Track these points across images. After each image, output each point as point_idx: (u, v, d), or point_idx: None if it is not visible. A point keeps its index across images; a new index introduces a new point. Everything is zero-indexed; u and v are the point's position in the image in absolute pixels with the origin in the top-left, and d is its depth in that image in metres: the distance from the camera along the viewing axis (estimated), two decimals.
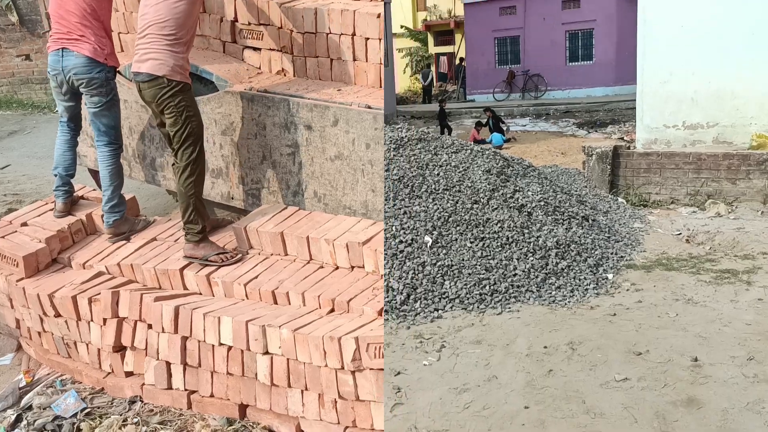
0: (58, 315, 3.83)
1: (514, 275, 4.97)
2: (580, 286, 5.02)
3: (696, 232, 6.63)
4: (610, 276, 5.26)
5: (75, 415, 3.55)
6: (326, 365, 3.04)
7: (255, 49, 4.42)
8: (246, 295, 3.57)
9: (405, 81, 26.63)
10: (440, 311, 4.59)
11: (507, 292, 4.80)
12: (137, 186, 5.33)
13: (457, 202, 5.50)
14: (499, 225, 5.37)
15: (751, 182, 7.33)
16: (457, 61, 23.77)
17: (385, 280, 4.60)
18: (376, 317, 3.26)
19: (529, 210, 5.71)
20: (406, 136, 6.29)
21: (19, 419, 3.59)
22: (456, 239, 5.18)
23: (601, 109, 17.23)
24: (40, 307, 3.87)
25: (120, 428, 3.40)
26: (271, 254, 3.77)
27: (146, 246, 4.13)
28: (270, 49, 4.34)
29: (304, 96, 3.97)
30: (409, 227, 5.15)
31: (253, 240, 3.83)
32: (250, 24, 4.35)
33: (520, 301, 4.74)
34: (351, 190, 3.96)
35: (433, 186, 5.60)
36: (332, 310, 3.34)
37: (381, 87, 4.08)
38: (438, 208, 5.38)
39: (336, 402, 3.12)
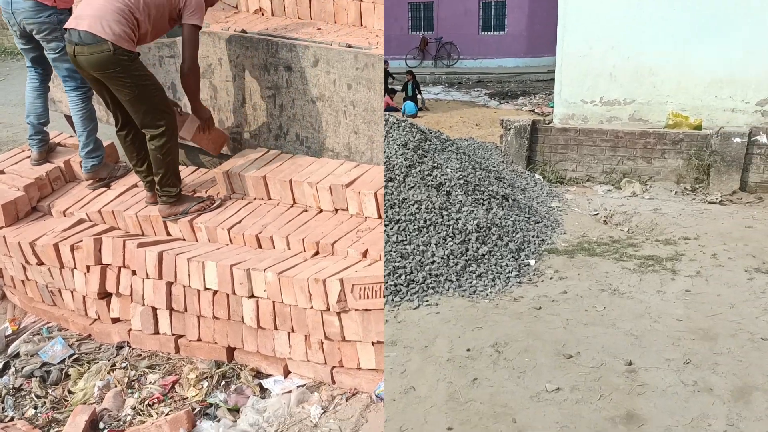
0: (40, 263, 3.80)
1: (432, 263, 4.51)
2: (501, 273, 4.63)
3: (613, 212, 6.43)
4: (532, 262, 4.90)
5: (63, 361, 3.56)
6: (312, 307, 3.07)
7: None
8: (230, 240, 3.55)
9: None
10: None
11: (425, 282, 4.34)
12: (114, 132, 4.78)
13: None
14: (416, 206, 4.88)
15: (666, 161, 7.22)
16: None
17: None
18: (361, 259, 3.29)
19: (447, 189, 5.26)
20: None
21: (6, 366, 3.61)
22: None
23: (513, 80, 17.12)
24: (22, 255, 3.84)
25: (109, 373, 3.42)
26: (254, 198, 3.75)
27: (127, 192, 4.09)
28: None
29: (283, 36, 3.85)
30: None
31: (235, 184, 3.77)
32: None
33: (438, 292, 4.29)
34: (333, 132, 3.91)
35: None
36: (317, 253, 3.35)
37: (362, 25, 3.93)
38: None
39: (323, 343, 3.17)
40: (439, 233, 4.76)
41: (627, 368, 3.36)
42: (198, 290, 3.36)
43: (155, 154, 3.69)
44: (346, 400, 3.20)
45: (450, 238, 4.75)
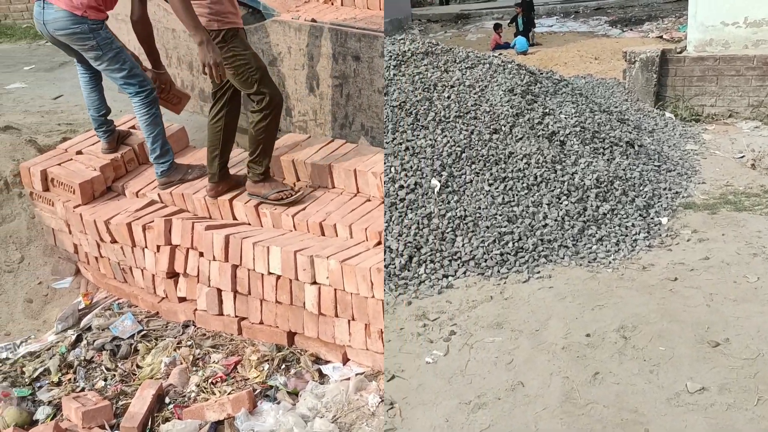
0: (114, 241, 3.91)
1: (544, 226, 3.94)
2: (627, 236, 4.00)
3: (763, 153, 5.47)
4: (664, 220, 4.21)
5: (132, 336, 3.65)
6: (373, 296, 3.05)
7: None
8: (294, 227, 3.57)
9: None
10: (450, 278, 3.63)
11: (535, 249, 3.80)
12: (186, 117, 5.01)
13: (472, 133, 4.41)
14: (525, 160, 4.30)
15: None
16: None
17: (385, 238, 3.67)
18: None
19: (561, 138, 4.61)
20: (409, 50, 5.12)
21: (79, 339, 3.71)
22: (471, 181, 4.14)
23: (636, 4, 15.49)
24: (96, 233, 3.95)
25: (175, 350, 3.51)
26: (319, 186, 3.77)
27: None
28: None
29: (353, 26, 3.84)
30: (411, 167, 4.11)
31: (300, 172, 3.76)
32: None
33: (552, 261, 3.75)
34: None
35: (443, 113, 4.50)
36: (379, 243, 3.33)
37: None
38: (448, 142, 4.30)
39: (382, 333, 3.12)
40: (552, 191, 4.17)
41: None
42: (262, 274, 3.37)
43: (249, 128, 3.68)
44: None
45: (565, 197, 4.15)
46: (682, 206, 4.41)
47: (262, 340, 3.48)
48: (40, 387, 3.45)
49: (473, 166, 4.21)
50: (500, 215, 3.96)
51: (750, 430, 2.36)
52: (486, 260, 3.71)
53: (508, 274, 3.65)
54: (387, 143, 4.26)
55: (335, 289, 3.14)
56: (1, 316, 4.05)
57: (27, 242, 4.38)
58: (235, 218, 3.80)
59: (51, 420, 3.18)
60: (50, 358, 3.61)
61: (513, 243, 3.80)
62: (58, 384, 3.46)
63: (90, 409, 3.09)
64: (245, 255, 3.40)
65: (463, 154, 4.25)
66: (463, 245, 3.78)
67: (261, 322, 3.49)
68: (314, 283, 3.21)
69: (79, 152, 4.42)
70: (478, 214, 3.94)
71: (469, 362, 2.93)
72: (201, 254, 3.60)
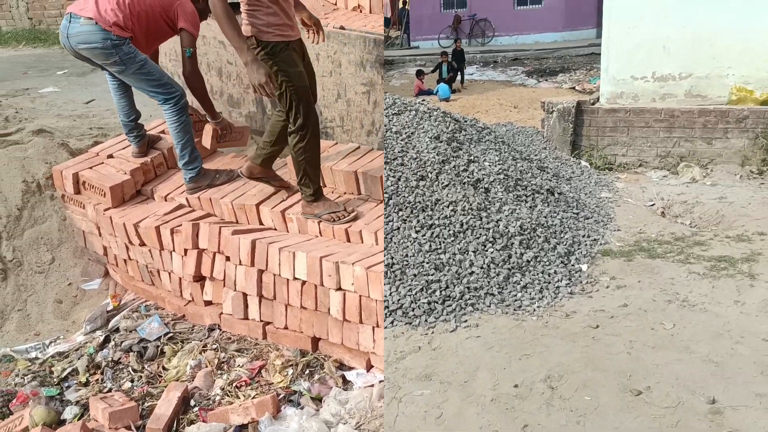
0: (142, 244, 3.95)
1: (471, 274, 3.97)
2: (550, 283, 4.07)
3: (671, 201, 5.78)
4: (584, 267, 4.32)
5: (158, 338, 3.69)
6: None
7: None
8: (320, 232, 3.57)
9: None
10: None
11: (462, 297, 3.80)
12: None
13: (399, 179, 4.42)
14: (451, 207, 4.34)
15: (729, 142, 6.49)
16: (401, 5, 22.32)
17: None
18: None
19: (486, 186, 4.69)
20: None
21: (107, 340, 3.75)
22: (398, 228, 4.13)
23: (551, 56, 16.27)
24: (125, 235, 4.00)
25: (200, 353, 3.53)
26: (344, 193, 3.75)
27: None
28: None
29: (380, 33, 3.82)
30: None
31: (326, 178, 3.76)
32: None
33: (478, 309, 3.76)
34: None
35: None
36: None
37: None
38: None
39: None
40: (478, 238, 4.21)
41: (710, 408, 2.79)
42: (287, 279, 3.39)
43: (290, 150, 3.63)
44: None
45: (490, 244, 4.20)
46: (600, 253, 4.55)
47: (287, 345, 3.48)
48: (68, 387, 3.48)
49: (400, 213, 4.21)
50: (427, 263, 3.95)
51: None
52: (413, 309, 3.68)
53: (436, 323, 3.62)
54: None
55: (360, 296, 3.13)
56: (32, 316, 4.07)
57: (58, 244, 4.43)
58: (261, 223, 3.82)
59: (78, 420, 3.20)
60: (78, 359, 3.65)
61: (440, 291, 3.79)
62: (86, 384, 3.50)
63: (117, 410, 3.10)
64: (271, 260, 3.41)
65: (390, 201, 4.25)
66: (390, 294, 3.74)
67: (286, 327, 3.49)
68: (339, 289, 3.20)
69: (110, 156, 4.50)
70: (405, 262, 3.92)
71: (397, 417, 2.86)
72: (227, 258, 3.61)
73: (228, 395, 3.22)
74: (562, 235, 4.58)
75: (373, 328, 3.14)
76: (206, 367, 3.42)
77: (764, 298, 3.74)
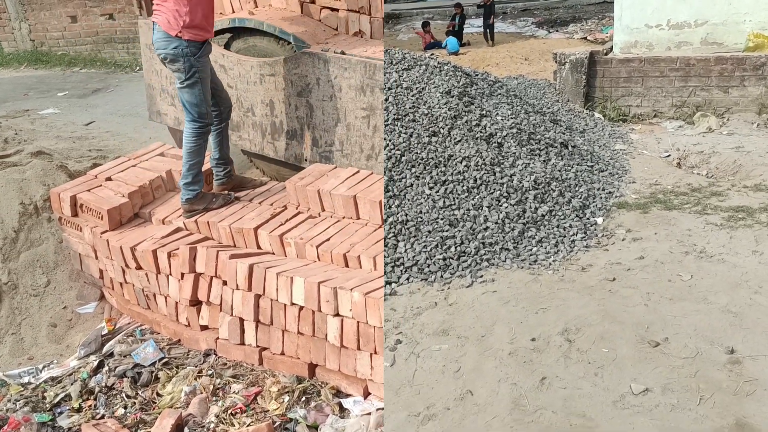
0: (139, 267, 3.93)
1: (486, 229, 3.95)
2: (565, 237, 4.05)
3: (687, 152, 5.71)
4: (599, 220, 4.29)
5: (153, 363, 3.64)
6: None
7: (333, 9, 4.32)
8: (318, 257, 3.56)
9: None
10: (394, 285, 3.59)
11: (478, 253, 3.80)
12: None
13: (411, 136, 4.38)
14: (464, 163, 4.30)
15: (746, 90, 6.36)
16: None
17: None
18: None
19: (499, 140, 4.63)
20: None
21: (101, 365, 3.70)
22: (411, 185, 4.11)
23: (561, 6, 15.90)
24: (122, 259, 3.98)
25: (195, 379, 3.48)
26: (343, 217, 3.73)
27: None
28: (348, 10, 4.24)
29: (381, 58, 3.85)
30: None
31: (326, 202, 3.77)
32: None
33: (494, 264, 3.75)
34: None
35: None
36: None
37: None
38: (387, 145, 4.26)
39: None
40: (492, 194, 4.18)
41: (729, 358, 2.79)
42: (285, 305, 3.34)
43: None
44: None
45: (504, 199, 4.18)
46: (616, 206, 4.52)
47: (283, 371, 3.43)
48: (61, 413, 3.42)
49: (413, 170, 4.18)
50: (442, 219, 3.93)
51: (694, 429, 2.40)
52: (429, 265, 3.69)
53: (452, 278, 3.63)
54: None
55: (358, 322, 3.08)
56: (26, 340, 4.01)
57: (54, 266, 4.36)
58: (259, 247, 3.77)
59: None
60: (71, 384, 3.58)
61: (455, 247, 3.78)
62: (79, 410, 3.43)
63: None
64: (269, 285, 3.37)
65: (403, 158, 4.21)
66: (405, 251, 3.74)
67: (282, 353, 3.44)
68: (337, 314, 3.15)
69: (109, 178, 4.45)
70: (419, 219, 3.90)
71: (416, 372, 2.89)
72: (224, 283, 3.57)
73: (223, 423, 3.15)
74: (576, 189, 4.54)
75: (371, 354, 3.10)
76: (201, 393, 3.35)
77: None
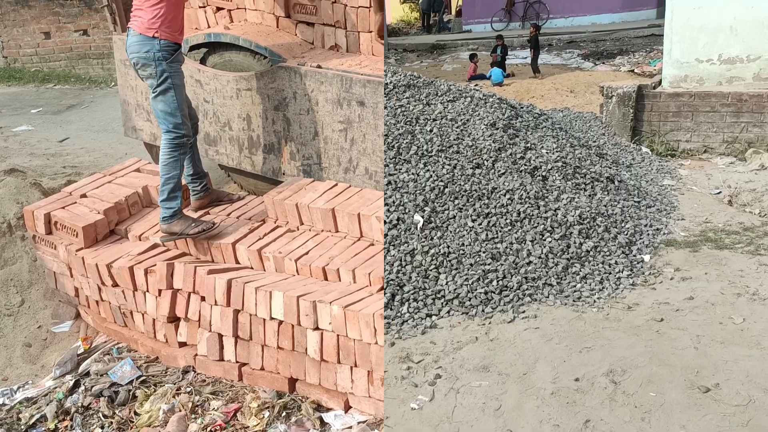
0: (115, 285, 3.90)
1: (529, 264, 3.89)
2: (611, 273, 3.97)
3: (739, 189, 5.54)
4: (646, 258, 4.19)
5: (131, 382, 3.60)
6: (376, 342, 3.01)
7: (308, 24, 4.32)
8: (297, 271, 3.55)
9: (397, 9, 24.77)
10: (434, 317, 3.55)
11: (520, 288, 3.74)
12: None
13: (455, 168, 4.37)
14: (508, 196, 4.26)
15: None
16: None
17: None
18: None
19: (543, 173, 4.59)
20: (391, 82, 5.09)
21: (77, 385, 3.64)
22: (454, 217, 4.08)
23: (608, 38, 15.78)
24: (98, 276, 3.93)
25: (174, 396, 3.44)
26: (322, 230, 3.74)
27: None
28: (323, 24, 4.24)
29: (357, 71, 3.86)
30: (393, 202, 4.05)
31: (304, 216, 3.78)
32: None
33: (537, 300, 3.69)
34: None
35: (425, 147, 4.46)
36: (382, 288, 3.31)
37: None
38: (431, 176, 4.25)
39: (384, 380, 3.07)
40: (536, 227, 4.13)
41: None
42: (264, 319, 3.33)
43: None
44: None
45: (548, 233, 4.12)
46: (664, 243, 4.41)
47: (263, 386, 3.41)
48: None
49: (456, 202, 4.16)
50: (484, 252, 3.89)
51: None
52: (470, 299, 3.64)
53: (493, 313, 3.57)
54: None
55: (338, 335, 3.09)
56: (0, 361, 3.98)
57: (28, 285, 4.37)
58: (237, 262, 3.77)
59: None
60: (47, 405, 3.52)
61: (497, 281, 3.73)
62: (55, 431, 3.38)
63: None
64: (247, 300, 3.36)
65: (446, 189, 4.20)
66: (446, 283, 3.71)
67: (262, 368, 3.43)
68: (317, 328, 3.16)
69: (84, 195, 4.41)
70: (461, 251, 3.87)
71: (455, 408, 2.84)
72: (203, 298, 3.55)
73: None
74: (622, 225, 4.45)
75: (351, 368, 3.10)
76: (180, 411, 3.31)
77: None
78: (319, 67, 3.98)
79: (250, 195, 4.50)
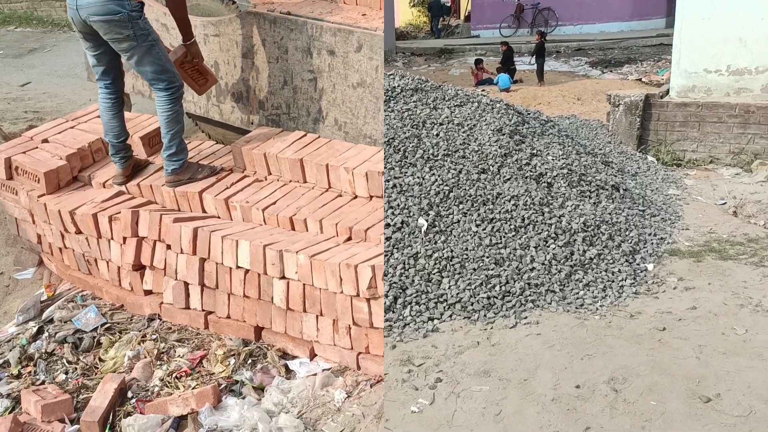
0: (79, 232, 3.83)
1: (532, 270, 3.89)
2: (614, 282, 3.96)
3: (744, 201, 5.53)
4: (650, 267, 4.19)
5: (95, 329, 3.58)
6: (342, 292, 3.05)
7: None
8: (264, 221, 3.54)
9: (406, 13, 24.82)
10: (436, 321, 3.55)
11: (523, 294, 3.74)
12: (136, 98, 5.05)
13: (460, 172, 4.37)
14: (512, 202, 4.26)
15: None
16: None
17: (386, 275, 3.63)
18: None
19: (549, 180, 4.59)
20: (399, 85, 5.11)
21: (40, 331, 3.63)
22: (458, 221, 4.08)
23: (616, 47, 15.79)
24: (61, 223, 3.88)
25: (139, 344, 3.45)
26: (290, 181, 3.73)
27: None
28: None
29: (328, 19, 3.82)
30: (398, 206, 4.05)
31: (272, 166, 3.75)
32: None
33: (539, 306, 3.69)
34: (372, 119, 3.88)
35: (431, 151, 4.46)
36: (349, 239, 3.33)
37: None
38: (436, 180, 4.26)
39: (350, 328, 3.14)
40: (540, 234, 4.13)
41: None
42: (230, 268, 3.34)
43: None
44: (371, 386, 3.12)
45: (552, 240, 4.12)
46: (668, 253, 4.40)
47: (229, 334, 3.43)
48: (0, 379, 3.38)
49: (461, 206, 4.17)
50: (487, 257, 3.90)
51: None
52: (473, 304, 3.64)
53: (495, 318, 3.57)
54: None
55: (304, 284, 3.11)
56: None
57: None
58: (204, 211, 3.75)
59: (9, 413, 3.11)
60: (10, 350, 3.53)
61: (500, 286, 3.73)
62: (18, 377, 3.38)
63: (49, 403, 3.03)
64: (213, 248, 3.35)
65: (451, 194, 4.20)
66: (449, 287, 3.71)
67: (228, 317, 3.44)
68: (283, 277, 3.17)
69: (45, 140, 4.31)
70: (465, 256, 3.87)
71: (455, 412, 2.83)
72: (168, 247, 3.53)
73: (168, 386, 3.14)
74: (627, 233, 4.45)
75: (317, 316, 3.14)
76: (145, 357, 3.31)
77: None
78: (288, 13, 3.92)
79: (218, 144, 4.40)
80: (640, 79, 11.41)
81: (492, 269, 3.83)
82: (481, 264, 3.85)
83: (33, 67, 7.40)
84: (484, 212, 4.16)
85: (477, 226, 4.08)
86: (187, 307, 3.55)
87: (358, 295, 3.02)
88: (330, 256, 3.10)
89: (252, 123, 4.27)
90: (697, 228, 4.88)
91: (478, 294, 3.68)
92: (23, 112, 5.62)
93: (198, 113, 4.58)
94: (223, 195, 3.68)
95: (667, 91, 6.97)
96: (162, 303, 3.63)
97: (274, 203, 3.57)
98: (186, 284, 3.53)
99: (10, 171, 4.17)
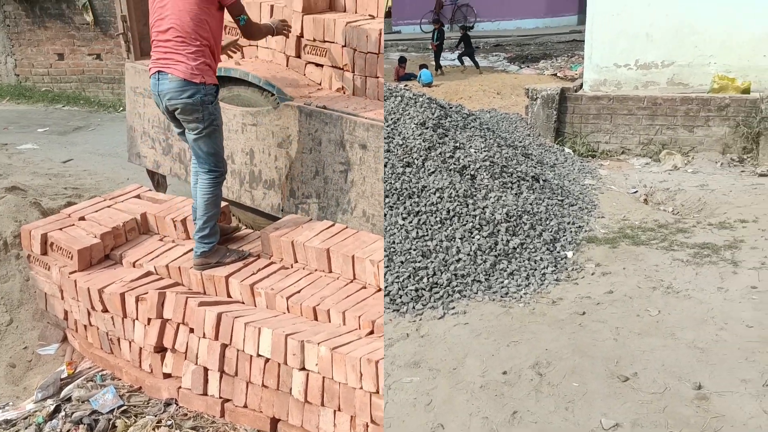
0: (105, 310, 3.86)
1: (458, 261, 3.97)
2: (536, 270, 4.09)
3: (654, 189, 5.83)
4: (570, 254, 4.35)
5: (112, 411, 3.53)
6: (361, 387, 2.95)
7: (317, 65, 4.38)
8: (288, 309, 3.52)
9: None
10: None
11: (450, 284, 3.81)
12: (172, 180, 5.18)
13: (385, 166, 4.39)
14: (437, 194, 4.33)
15: (710, 130, 6.55)
16: None
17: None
18: None
19: (472, 173, 4.69)
20: None
21: (57, 410, 3.58)
22: (385, 215, 4.11)
23: (532, 43, 16.28)
24: (89, 300, 3.89)
25: (154, 429, 3.38)
26: (315, 270, 3.70)
27: None
28: (332, 66, 4.28)
29: (362, 115, 3.89)
30: None
31: (299, 254, 3.74)
32: (315, 40, 4.29)
33: (466, 296, 3.76)
34: None
35: None
36: (371, 332, 3.24)
37: None
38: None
39: (368, 426, 2.99)
40: (465, 225, 4.21)
41: (696, 393, 2.83)
42: (251, 356, 3.29)
43: None
44: None
45: (477, 231, 4.21)
46: (585, 240, 4.58)
47: (245, 424, 3.33)
48: None
49: (387, 200, 4.19)
50: (414, 250, 3.94)
51: None
52: (401, 296, 3.68)
53: (423, 310, 3.62)
54: None
55: (323, 377, 3.04)
56: None
57: (18, 305, 4.24)
58: (229, 296, 3.71)
59: None
60: (26, 428, 3.45)
61: (427, 278, 3.79)
62: None
63: None
64: (236, 334, 3.31)
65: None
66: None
67: (245, 406, 3.36)
68: (303, 369, 3.11)
69: (82, 218, 4.35)
70: (392, 249, 3.90)
71: (387, 404, 2.86)
72: (191, 330, 3.49)
73: None
74: (547, 222, 4.60)
75: (335, 411, 3.07)
76: None
77: (747, 284, 3.80)
78: (324, 108, 3.99)
79: (248, 229, 4.42)
80: (555, 74, 11.80)
81: (419, 261, 3.88)
82: (409, 257, 3.89)
83: (76, 144, 7.58)
84: (410, 205, 4.21)
85: (403, 219, 4.12)
86: (205, 394, 3.48)
87: (377, 392, 2.93)
88: (352, 349, 3.02)
89: (282, 210, 4.30)
90: (611, 216, 5.10)
91: (407, 286, 3.72)
92: (63, 189, 5.65)
93: (230, 197, 4.55)
94: (249, 281, 3.64)
95: (581, 85, 7.25)
96: (180, 387, 3.56)
97: (299, 291, 3.52)
98: (206, 369, 3.46)
99: (45, 246, 4.17)
